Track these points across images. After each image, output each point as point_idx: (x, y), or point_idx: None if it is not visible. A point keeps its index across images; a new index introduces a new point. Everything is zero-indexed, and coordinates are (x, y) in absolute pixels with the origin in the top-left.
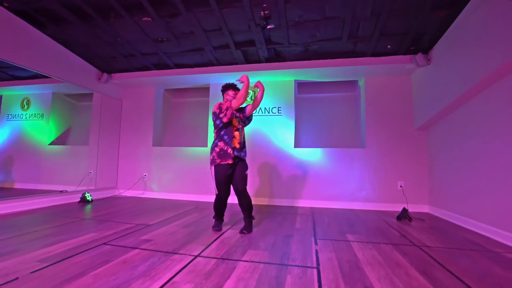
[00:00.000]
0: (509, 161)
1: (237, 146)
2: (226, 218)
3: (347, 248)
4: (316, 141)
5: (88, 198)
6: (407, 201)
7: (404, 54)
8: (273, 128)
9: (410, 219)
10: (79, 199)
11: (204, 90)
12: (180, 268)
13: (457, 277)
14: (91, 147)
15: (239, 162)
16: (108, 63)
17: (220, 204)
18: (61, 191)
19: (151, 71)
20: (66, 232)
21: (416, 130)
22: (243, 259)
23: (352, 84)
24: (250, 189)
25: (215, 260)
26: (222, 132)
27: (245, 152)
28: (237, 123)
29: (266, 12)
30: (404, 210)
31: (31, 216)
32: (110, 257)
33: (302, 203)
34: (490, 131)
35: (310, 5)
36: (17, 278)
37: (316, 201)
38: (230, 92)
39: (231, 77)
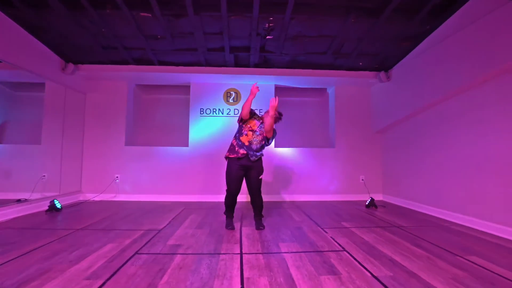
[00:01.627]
0: (441, 160)
1: (246, 143)
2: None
3: (352, 233)
4: (293, 142)
5: (58, 206)
6: (368, 192)
7: (370, 70)
8: None
9: (376, 206)
10: (48, 208)
11: (183, 88)
12: (239, 266)
13: (438, 246)
14: (45, 146)
15: (255, 165)
16: (80, 53)
17: (230, 200)
18: (19, 200)
19: (130, 66)
20: (78, 246)
21: (373, 133)
22: (283, 251)
23: (321, 91)
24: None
25: (261, 255)
26: (236, 131)
27: (256, 155)
28: (255, 127)
29: (271, 24)
30: (372, 200)
31: (6, 230)
32: (161, 265)
33: (283, 197)
34: (431, 137)
35: (312, 24)
36: None
37: (295, 195)
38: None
39: (215, 78)
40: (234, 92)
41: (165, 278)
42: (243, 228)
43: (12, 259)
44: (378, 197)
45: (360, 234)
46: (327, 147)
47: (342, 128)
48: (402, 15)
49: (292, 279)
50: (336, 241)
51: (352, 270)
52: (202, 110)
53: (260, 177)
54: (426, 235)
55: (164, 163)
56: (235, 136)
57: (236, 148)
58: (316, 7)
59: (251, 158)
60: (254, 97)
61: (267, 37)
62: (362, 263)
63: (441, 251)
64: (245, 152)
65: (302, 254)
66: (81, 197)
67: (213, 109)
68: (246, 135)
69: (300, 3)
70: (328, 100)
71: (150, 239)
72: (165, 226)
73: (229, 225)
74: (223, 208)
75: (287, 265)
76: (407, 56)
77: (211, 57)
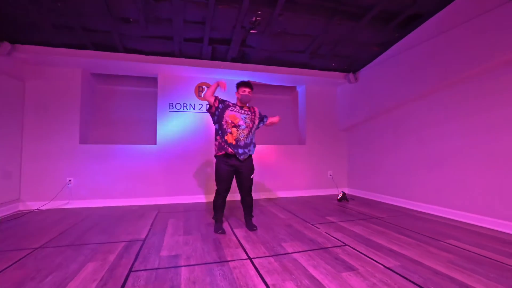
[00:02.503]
0: (400, 156)
1: (233, 142)
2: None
3: (341, 228)
4: (265, 139)
5: None
6: (337, 186)
7: (340, 71)
8: None
9: (347, 200)
10: None
11: (148, 80)
12: (256, 273)
13: (419, 233)
14: None
15: (245, 164)
16: (22, 30)
17: (220, 202)
18: None
19: (88, 51)
20: (49, 270)
21: (339, 131)
22: (290, 251)
23: (291, 89)
24: (205, 186)
25: (271, 258)
26: (217, 129)
27: (245, 152)
28: (237, 120)
29: (258, 18)
30: (344, 194)
31: None
32: (170, 283)
33: (259, 195)
34: (392, 136)
35: (297, 22)
36: None
37: (270, 192)
38: (246, 89)
39: (188, 71)
40: (207, 87)
41: None
42: (235, 230)
43: None
44: (343, 190)
45: (349, 227)
46: (299, 144)
47: (312, 125)
48: (378, 22)
49: (317, 280)
50: (333, 236)
51: (364, 264)
52: (171, 104)
53: (251, 176)
54: (403, 223)
55: (128, 163)
56: (218, 134)
57: (224, 145)
58: (305, 6)
59: (240, 158)
60: (217, 87)
61: (251, 31)
62: (369, 256)
63: (423, 237)
64: (233, 151)
65: (310, 252)
66: (20, 207)
67: (183, 104)
68: (231, 133)
69: (291, 0)
70: (297, 98)
71: (139, 252)
72: (147, 235)
73: (219, 229)
74: (200, 209)
75: (303, 266)
76: (375, 61)
77: (186, 48)
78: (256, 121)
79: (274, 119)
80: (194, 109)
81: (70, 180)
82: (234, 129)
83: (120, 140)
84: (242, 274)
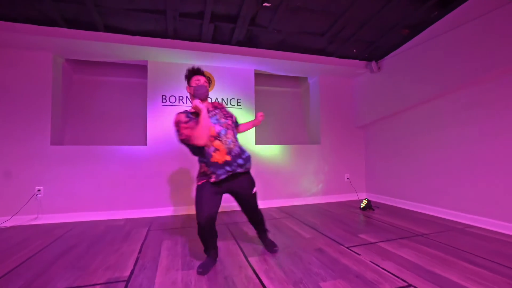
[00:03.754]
0: (434, 158)
1: (228, 159)
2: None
3: (385, 251)
4: (273, 138)
5: None
6: (356, 191)
7: (361, 59)
8: None
9: (373, 209)
10: None
11: (136, 68)
12: None
13: (487, 259)
14: None
15: (241, 178)
16: None
17: (206, 233)
18: None
19: (59, 29)
20: None
21: (356, 128)
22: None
23: (301, 80)
24: None
25: None
26: (195, 151)
27: (243, 159)
28: (215, 131)
29: None
30: (368, 201)
31: None
32: None
33: (269, 203)
34: (422, 135)
35: None
36: None
37: (281, 200)
38: (200, 77)
39: (184, 57)
40: (207, 77)
41: None
42: (252, 260)
43: None
44: (362, 196)
45: (395, 251)
46: (313, 143)
47: (327, 122)
48: None
49: None
50: (383, 269)
51: None
52: (164, 97)
53: (254, 191)
54: (459, 243)
55: (112, 168)
56: (200, 161)
57: (210, 173)
58: None
59: (238, 170)
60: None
61: (264, 4)
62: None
63: (498, 266)
64: (229, 169)
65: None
66: None
67: (179, 96)
68: (218, 150)
69: None
70: (308, 92)
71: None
72: (133, 270)
73: (201, 268)
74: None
75: None
76: (403, 46)
77: (182, 26)
78: (232, 117)
79: (250, 125)
80: (191, 102)
81: (39, 190)
82: (218, 142)
83: (103, 140)
84: None
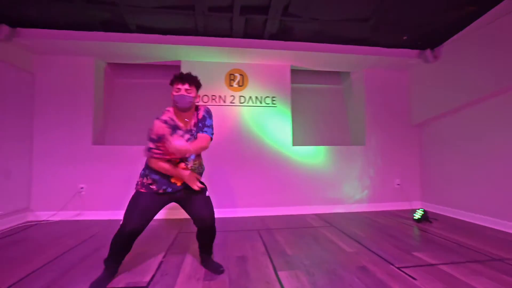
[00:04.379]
0: (508, 161)
1: (177, 183)
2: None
3: (450, 277)
4: (312, 138)
5: None
6: (408, 199)
7: (412, 48)
8: (267, 123)
9: (430, 221)
10: None
11: (170, 69)
12: None
13: None
14: None
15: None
16: (11, 5)
17: (124, 241)
18: None
19: (96, 33)
20: None
21: (410, 127)
22: None
23: (338, 76)
24: (246, 197)
25: None
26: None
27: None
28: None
29: None
30: (424, 212)
31: None
32: None
33: (305, 209)
34: (493, 134)
35: None
36: None
37: (318, 206)
38: (179, 85)
39: (216, 54)
40: (240, 74)
41: None
42: (280, 273)
43: None
44: (416, 205)
45: (463, 278)
46: (355, 144)
47: (373, 121)
48: None
49: None
50: None
51: None
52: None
53: (207, 194)
54: None
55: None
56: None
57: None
58: None
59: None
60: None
61: None
62: None
63: None
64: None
65: None
66: (29, 217)
67: (212, 96)
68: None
69: None
70: (350, 88)
71: None
72: (153, 277)
73: (98, 285)
74: (234, 229)
75: None
76: (466, 29)
77: (212, 21)
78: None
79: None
80: (224, 102)
81: (82, 188)
82: (181, 164)
83: (141, 140)
84: None
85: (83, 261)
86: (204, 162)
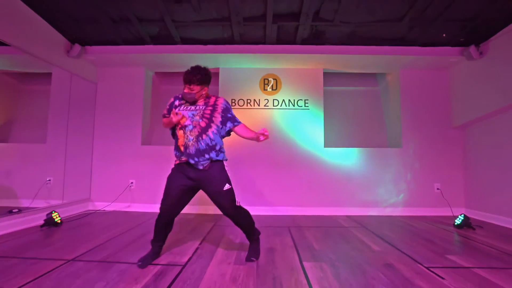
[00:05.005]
0: None
1: (181, 148)
2: None
3: (485, 281)
4: (345, 141)
5: (56, 220)
6: (449, 205)
7: (453, 46)
8: (300, 125)
9: (473, 228)
10: (43, 222)
11: None
12: None
13: None
14: (51, 145)
15: (208, 175)
16: (83, 29)
17: (162, 223)
18: (11, 211)
19: (147, 46)
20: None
21: (452, 129)
22: None
23: (377, 78)
24: (278, 197)
25: None
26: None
27: (200, 161)
28: (184, 120)
29: None
30: (465, 218)
31: None
32: None
33: (336, 210)
34: None
35: None
36: None
37: (351, 208)
38: (185, 85)
39: (250, 61)
40: (273, 79)
41: None
42: (305, 263)
43: None
44: (459, 211)
45: (500, 282)
46: (391, 146)
47: (411, 123)
48: None
49: None
50: None
51: None
52: (233, 101)
53: (225, 188)
54: None
55: None
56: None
57: (176, 153)
58: None
59: (198, 167)
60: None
61: None
62: None
63: None
64: (185, 159)
65: None
66: (90, 207)
67: (247, 100)
68: (179, 138)
69: None
70: (387, 90)
71: (170, 285)
72: (190, 258)
73: (143, 261)
74: (266, 224)
75: None
76: None
77: (247, 30)
78: (218, 118)
79: (259, 134)
80: (259, 105)
81: (132, 183)
82: (180, 132)
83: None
84: None
85: (132, 243)
86: (240, 165)
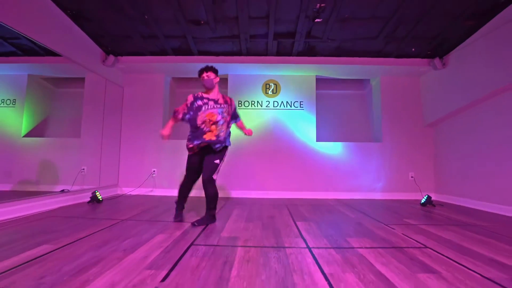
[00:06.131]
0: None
1: (212, 138)
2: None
3: (424, 231)
4: (334, 136)
5: (99, 198)
6: (420, 190)
7: (423, 57)
8: (296, 122)
9: (434, 205)
10: (89, 199)
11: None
12: (314, 261)
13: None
14: (84, 140)
15: (212, 152)
16: (118, 43)
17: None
18: (62, 191)
19: (169, 57)
20: (127, 236)
21: (423, 127)
22: (355, 246)
23: (363, 83)
24: (277, 183)
25: (332, 250)
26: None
27: (219, 145)
28: (216, 117)
29: (322, 4)
30: (428, 197)
31: (52, 219)
32: (225, 258)
33: (327, 195)
34: (496, 130)
35: (366, 2)
36: None
37: (339, 193)
38: (208, 73)
39: (255, 69)
40: (274, 84)
41: (234, 271)
42: (298, 223)
43: (63, 246)
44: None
45: (435, 231)
46: (373, 141)
47: (389, 121)
48: None
49: (385, 277)
50: (411, 238)
51: (451, 269)
52: (240, 102)
53: (215, 161)
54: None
55: None
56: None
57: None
58: None
59: (215, 148)
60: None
61: (316, 20)
62: (460, 262)
63: None
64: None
65: (380, 250)
66: (118, 191)
67: (251, 101)
68: (211, 131)
69: None
70: (371, 93)
71: (202, 231)
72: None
73: (178, 217)
74: (266, 203)
75: (370, 262)
76: (469, 39)
77: (252, 45)
78: (231, 114)
79: (247, 131)
80: (261, 106)
81: (154, 171)
82: (213, 126)
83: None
84: (298, 260)
85: (156, 216)
86: (247, 156)
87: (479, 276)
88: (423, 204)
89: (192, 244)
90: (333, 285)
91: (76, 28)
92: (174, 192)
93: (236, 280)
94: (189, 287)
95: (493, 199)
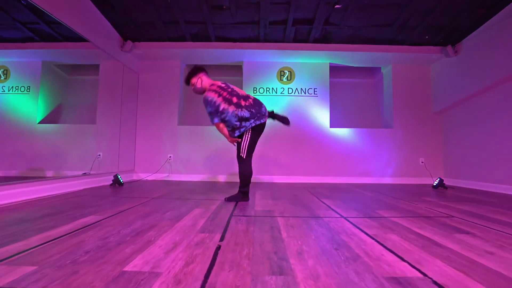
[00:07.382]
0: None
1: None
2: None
3: (444, 206)
4: (347, 122)
5: (121, 181)
6: (431, 175)
7: (434, 45)
8: (310, 109)
9: (446, 187)
10: (112, 182)
11: (231, 68)
12: (353, 226)
13: None
14: (100, 126)
15: None
16: (139, 29)
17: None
18: (85, 173)
19: (186, 43)
20: (166, 209)
21: (433, 114)
22: (386, 215)
23: (374, 71)
24: (292, 167)
25: (367, 218)
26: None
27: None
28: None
29: None
30: (440, 180)
31: (84, 197)
32: (269, 224)
33: (340, 180)
34: (499, 117)
35: None
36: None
37: (351, 178)
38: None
39: (270, 56)
40: (288, 71)
41: (284, 233)
42: (324, 200)
43: (109, 216)
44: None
45: (455, 205)
46: (385, 127)
47: (400, 108)
48: None
49: (425, 236)
50: (435, 210)
51: (485, 231)
52: (255, 89)
53: (240, 141)
54: None
55: (216, 143)
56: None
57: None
58: None
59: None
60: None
61: (336, 6)
62: (490, 226)
63: None
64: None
65: (411, 218)
66: (134, 176)
67: (266, 88)
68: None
69: None
70: (381, 81)
71: (235, 206)
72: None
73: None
74: (284, 187)
75: (406, 226)
76: (481, 27)
77: (271, 31)
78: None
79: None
80: (276, 92)
81: (170, 156)
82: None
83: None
84: (338, 225)
85: (184, 195)
86: (260, 140)
87: (510, 236)
88: (435, 187)
89: (231, 215)
90: (380, 241)
91: (98, 13)
92: (191, 177)
93: (289, 239)
94: (247, 244)
95: (504, 180)
